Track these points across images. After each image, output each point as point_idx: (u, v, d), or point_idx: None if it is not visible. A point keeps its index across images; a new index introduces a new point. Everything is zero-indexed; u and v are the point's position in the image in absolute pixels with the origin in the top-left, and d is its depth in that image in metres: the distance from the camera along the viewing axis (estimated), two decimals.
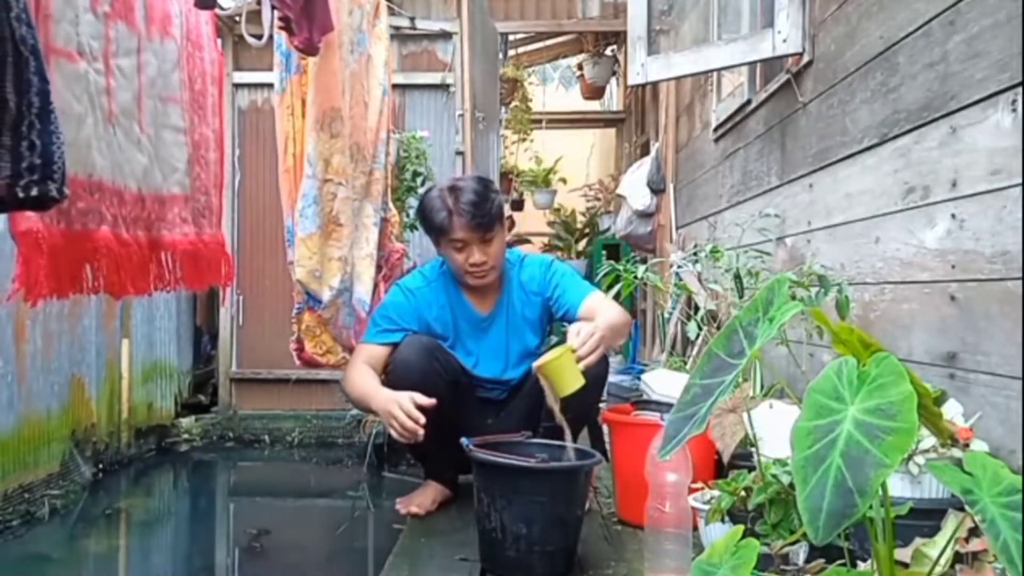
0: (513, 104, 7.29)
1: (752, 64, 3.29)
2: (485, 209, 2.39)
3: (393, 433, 2.26)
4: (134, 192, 1.92)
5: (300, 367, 2.92)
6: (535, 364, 2.10)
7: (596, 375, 2.40)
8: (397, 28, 4.44)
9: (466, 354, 2.53)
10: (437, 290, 2.54)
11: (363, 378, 2.40)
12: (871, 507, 1.00)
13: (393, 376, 2.40)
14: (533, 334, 2.56)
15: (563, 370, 2.05)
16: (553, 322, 2.65)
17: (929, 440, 1.51)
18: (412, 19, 4.54)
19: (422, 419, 2.19)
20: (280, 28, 2.37)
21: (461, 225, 2.38)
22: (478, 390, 2.54)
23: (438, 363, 2.40)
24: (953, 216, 1.82)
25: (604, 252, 6.20)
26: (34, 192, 1.22)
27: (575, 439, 2.43)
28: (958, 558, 1.25)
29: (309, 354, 2.72)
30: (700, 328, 2.87)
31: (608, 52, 7.22)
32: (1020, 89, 1.57)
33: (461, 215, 2.38)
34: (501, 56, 6.38)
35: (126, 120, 1.88)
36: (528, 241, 8.07)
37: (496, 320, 2.55)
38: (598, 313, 2.36)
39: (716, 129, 3.97)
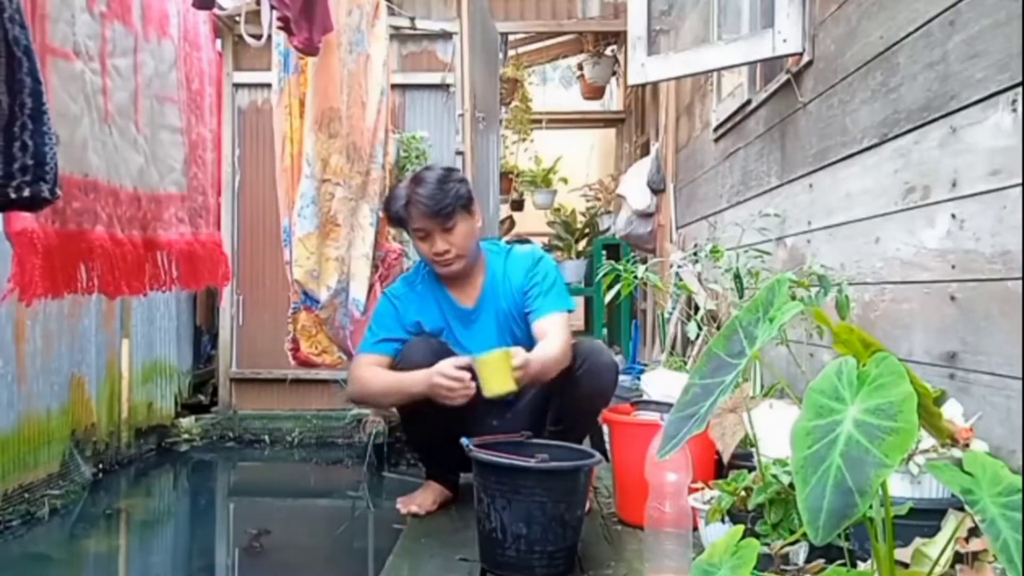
0: (513, 104, 7.28)
1: (752, 64, 3.28)
2: (439, 199, 2.38)
3: (448, 403, 2.25)
4: (130, 192, 1.92)
5: (295, 367, 2.92)
6: (474, 356, 2.17)
7: (604, 386, 2.42)
8: (397, 28, 4.43)
9: (456, 346, 2.51)
10: (423, 292, 2.54)
11: (378, 374, 2.43)
12: (871, 507, 0.99)
13: None
14: (522, 319, 2.51)
15: (493, 371, 2.12)
16: None
17: (929, 440, 1.51)
18: (412, 19, 4.54)
19: (466, 376, 2.22)
20: (279, 28, 2.37)
21: (419, 214, 2.40)
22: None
23: None
24: (953, 216, 1.81)
25: (604, 252, 6.19)
26: (26, 193, 1.22)
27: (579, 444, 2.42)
28: (958, 558, 1.24)
29: (304, 354, 2.73)
30: (700, 328, 2.87)
31: (608, 52, 7.20)
32: (1020, 89, 1.57)
33: (417, 204, 2.39)
34: (501, 56, 6.37)
35: (122, 120, 1.88)
36: (528, 241, 8.04)
37: (482, 313, 2.52)
38: (544, 339, 2.36)
39: (716, 129, 3.96)
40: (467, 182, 2.53)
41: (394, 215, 2.49)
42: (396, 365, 2.43)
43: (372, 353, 2.50)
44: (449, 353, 2.43)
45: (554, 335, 2.37)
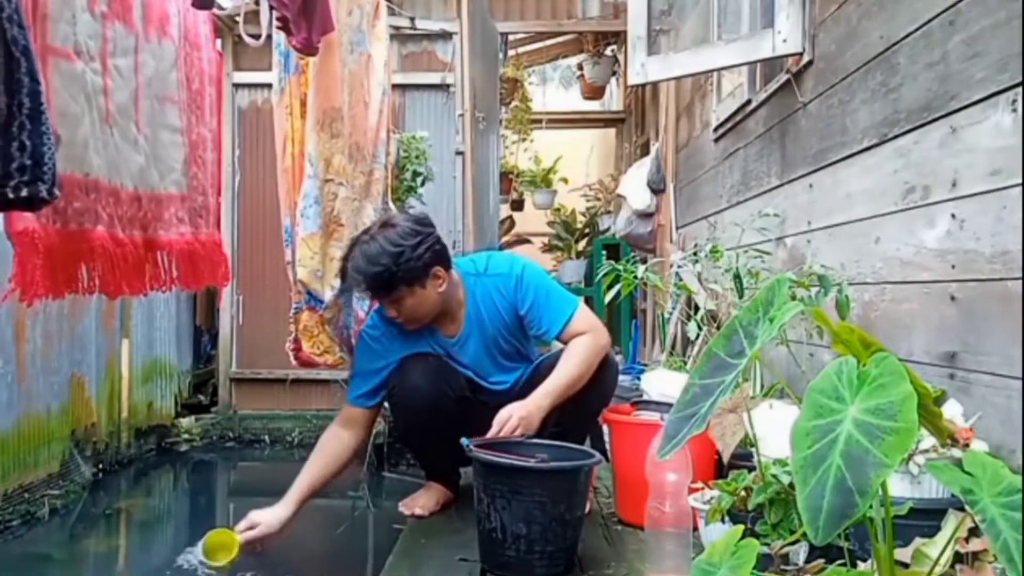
0: (513, 104, 7.28)
1: (752, 64, 3.28)
2: (371, 283, 2.22)
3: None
4: (130, 192, 1.92)
5: (297, 367, 2.92)
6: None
7: (605, 385, 2.39)
8: (397, 28, 4.43)
9: (451, 361, 2.47)
10: (402, 327, 2.37)
11: (312, 458, 2.41)
12: (871, 507, 1.00)
13: (400, 400, 2.37)
14: (512, 336, 2.46)
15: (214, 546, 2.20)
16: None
17: (929, 440, 1.51)
18: (412, 19, 4.54)
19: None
20: (278, 28, 2.36)
21: (355, 285, 2.31)
22: (482, 395, 2.51)
23: (445, 384, 2.36)
24: (953, 216, 1.81)
25: (604, 252, 6.19)
26: (24, 193, 1.22)
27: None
28: (958, 558, 1.24)
29: (306, 354, 2.72)
30: (700, 328, 2.87)
31: (608, 52, 7.21)
32: (1020, 89, 1.57)
33: (352, 280, 2.27)
34: (501, 56, 6.37)
35: (123, 120, 1.88)
36: (528, 241, 8.06)
37: (469, 339, 2.42)
38: (568, 348, 2.28)
39: (716, 129, 3.96)
40: (425, 252, 2.22)
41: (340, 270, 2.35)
42: (393, 388, 2.38)
43: (352, 406, 2.42)
44: (449, 368, 2.41)
45: (569, 355, 2.28)
